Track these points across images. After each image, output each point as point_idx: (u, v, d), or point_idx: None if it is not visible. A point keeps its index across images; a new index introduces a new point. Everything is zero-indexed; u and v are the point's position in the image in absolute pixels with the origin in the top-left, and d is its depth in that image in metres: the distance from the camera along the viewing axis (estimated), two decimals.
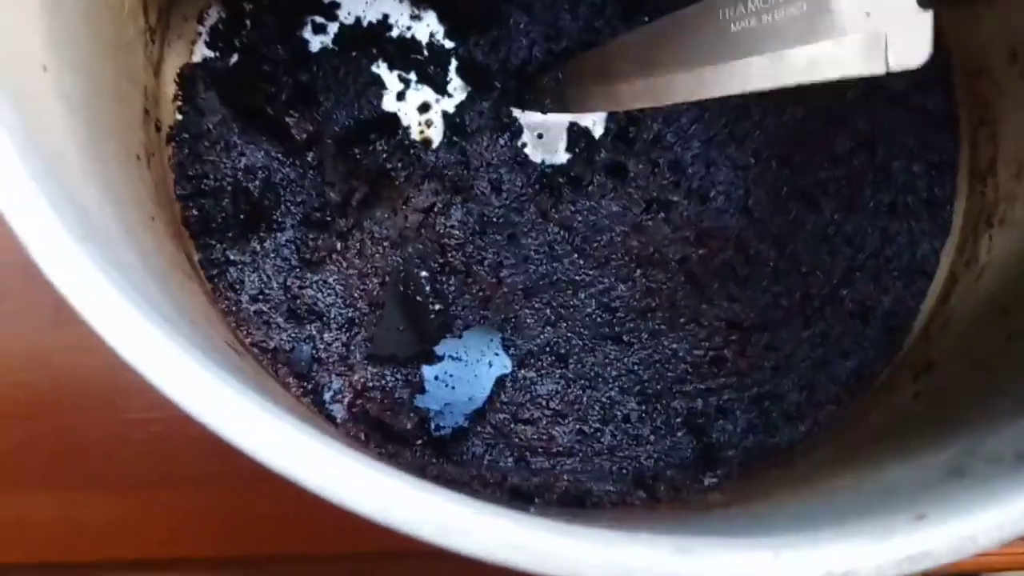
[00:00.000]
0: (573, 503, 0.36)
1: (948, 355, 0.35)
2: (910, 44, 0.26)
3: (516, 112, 0.42)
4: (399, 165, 0.40)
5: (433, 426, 0.37)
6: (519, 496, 0.36)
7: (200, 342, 0.24)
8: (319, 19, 0.42)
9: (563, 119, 0.42)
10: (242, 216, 0.38)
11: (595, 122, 0.43)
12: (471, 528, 0.19)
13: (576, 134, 0.42)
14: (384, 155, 0.39)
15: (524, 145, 0.42)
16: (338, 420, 0.36)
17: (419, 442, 0.37)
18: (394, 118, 0.40)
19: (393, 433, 0.36)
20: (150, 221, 0.31)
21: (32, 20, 0.24)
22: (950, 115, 0.42)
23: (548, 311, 0.40)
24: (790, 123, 0.42)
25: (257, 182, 0.39)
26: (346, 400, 0.36)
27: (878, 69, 0.26)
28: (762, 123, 0.42)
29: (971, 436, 0.25)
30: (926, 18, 0.25)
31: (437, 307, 0.39)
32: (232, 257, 0.38)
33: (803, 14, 0.28)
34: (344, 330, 0.38)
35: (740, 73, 0.29)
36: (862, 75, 0.26)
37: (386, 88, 0.42)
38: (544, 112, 0.42)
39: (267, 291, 0.38)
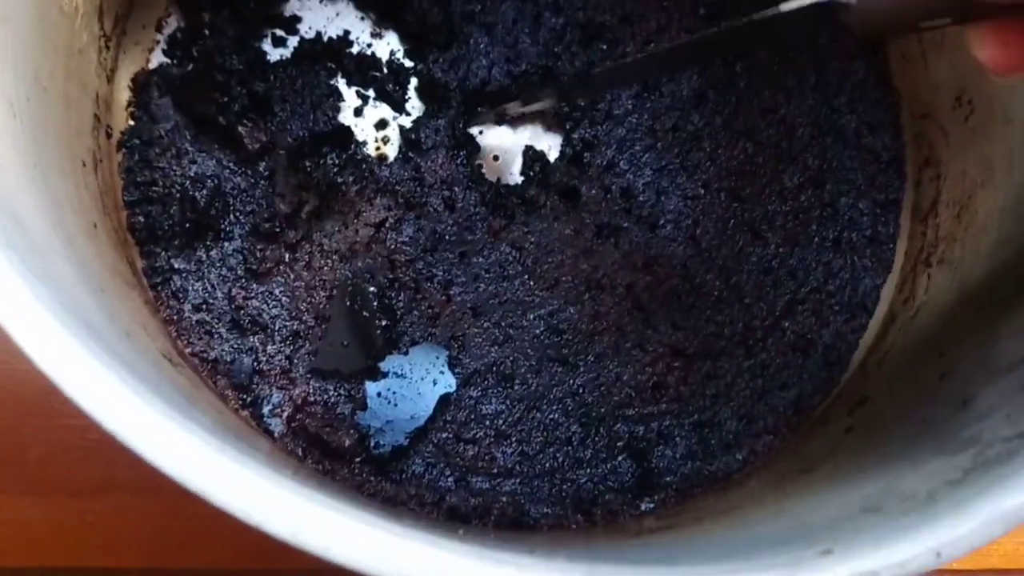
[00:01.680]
0: (510, 525, 0.36)
1: (882, 391, 0.35)
2: None
3: (473, 131, 0.43)
4: (351, 179, 0.40)
5: (373, 443, 0.37)
6: (455, 517, 0.36)
7: (127, 354, 0.24)
8: (279, 32, 0.42)
9: (519, 141, 0.43)
10: (189, 224, 0.38)
11: (550, 146, 0.43)
12: (383, 552, 0.19)
13: (531, 157, 0.42)
14: (336, 168, 0.39)
15: (480, 165, 0.42)
16: (276, 434, 0.36)
17: (358, 460, 0.36)
18: (347, 131, 0.40)
19: (331, 450, 0.36)
20: (92, 229, 0.31)
21: None
22: (897, 156, 0.43)
23: (496, 331, 0.40)
24: (741, 156, 0.43)
25: (206, 190, 0.38)
26: (285, 414, 0.36)
27: None
28: (714, 155, 0.42)
29: (892, 473, 0.26)
30: None
31: (384, 323, 0.39)
32: (177, 265, 0.37)
33: None
34: (288, 343, 0.38)
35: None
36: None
37: (344, 102, 0.42)
38: (498, 123, 0.42)
39: (211, 301, 0.38)
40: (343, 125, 0.40)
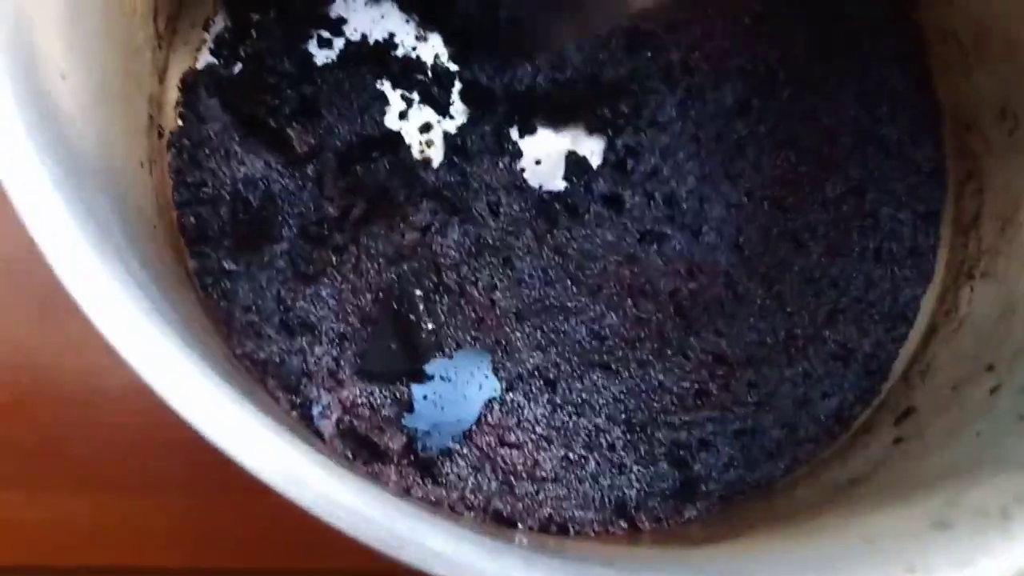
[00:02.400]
0: (557, 531, 0.36)
1: (929, 403, 0.36)
2: None
3: (515, 136, 0.43)
4: (399, 183, 0.40)
5: (420, 446, 0.37)
6: (502, 520, 0.36)
7: (207, 355, 0.24)
8: (325, 34, 0.42)
9: (561, 146, 0.43)
10: (239, 226, 0.38)
11: (593, 151, 0.43)
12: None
13: (574, 162, 0.43)
14: (385, 173, 0.39)
15: (523, 170, 0.42)
16: (326, 436, 0.36)
17: (404, 462, 0.37)
18: (397, 137, 0.40)
19: (380, 452, 0.36)
20: (152, 231, 0.31)
21: (54, 25, 0.24)
22: (939, 167, 0.44)
23: (539, 335, 0.40)
24: (784, 165, 0.43)
25: (256, 192, 0.39)
26: (334, 416, 0.36)
27: None
28: (757, 163, 0.43)
29: (954, 487, 0.26)
30: None
31: (429, 326, 0.39)
32: (227, 267, 0.37)
33: None
34: (335, 345, 0.38)
35: None
36: None
37: (389, 105, 0.42)
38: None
39: (260, 302, 0.38)
40: (393, 130, 0.40)
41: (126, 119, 0.32)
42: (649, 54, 0.42)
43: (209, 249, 0.37)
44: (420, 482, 0.36)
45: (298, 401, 0.37)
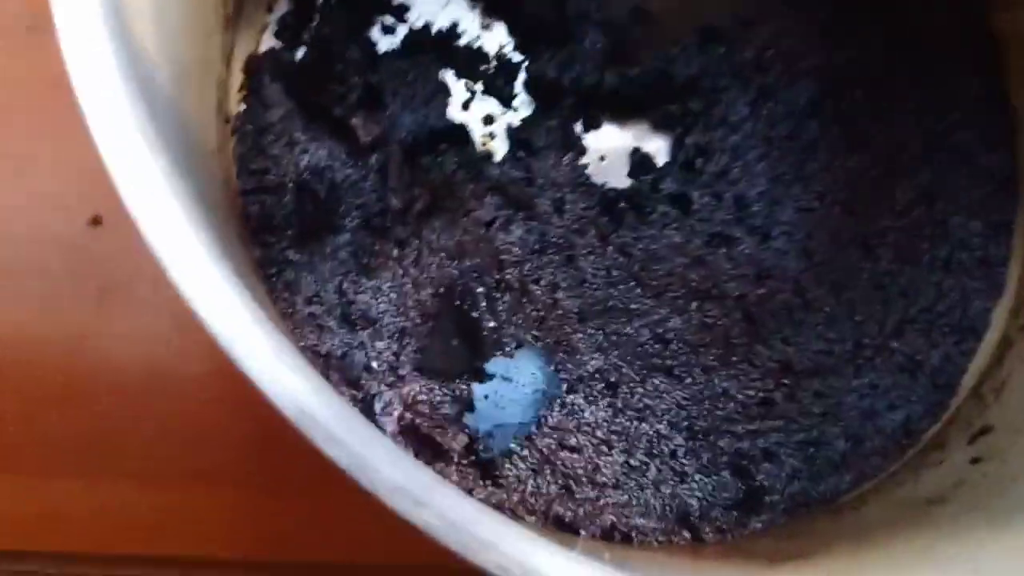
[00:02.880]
0: (620, 539, 0.35)
1: (1007, 423, 0.35)
2: None
3: (580, 131, 0.42)
4: (464, 177, 0.39)
5: (481, 447, 0.36)
6: (563, 526, 0.36)
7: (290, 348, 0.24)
8: (389, 20, 0.41)
9: (625, 142, 0.42)
10: (303, 215, 0.37)
11: (658, 148, 0.42)
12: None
13: (639, 160, 0.42)
14: (452, 167, 0.39)
15: (587, 166, 0.41)
16: (388, 433, 0.35)
17: (465, 462, 0.36)
18: (463, 130, 0.40)
19: (442, 451, 0.35)
20: (225, 221, 0.30)
21: (146, 16, 0.23)
22: (1011, 176, 0.42)
23: (601, 337, 0.39)
24: (855, 168, 0.42)
25: (320, 181, 0.38)
26: (395, 413, 0.36)
27: None
28: (829, 166, 0.42)
29: None
30: None
31: (491, 323, 0.38)
32: (291, 257, 0.37)
33: None
34: (395, 339, 0.38)
35: None
36: None
37: (451, 96, 0.41)
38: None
39: (322, 294, 0.37)
40: (459, 124, 0.40)
41: (201, 107, 0.31)
42: (722, 51, 0.41)
43: (273, 239, 0.37)
44: (481, 483, 0.36)
45: (360, 396, 0.36)
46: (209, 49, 0.34)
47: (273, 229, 0.36)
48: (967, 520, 0.28)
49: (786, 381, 0.39)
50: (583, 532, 0.36)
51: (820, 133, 0.42)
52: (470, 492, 0.35)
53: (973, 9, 0.43)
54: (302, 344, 0.35)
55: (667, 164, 0.41)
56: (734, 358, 0.39)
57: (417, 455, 0.35)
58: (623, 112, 0.42)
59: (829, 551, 0.30)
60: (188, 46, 0.29)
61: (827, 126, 0.42)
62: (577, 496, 0.37)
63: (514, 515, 0.35)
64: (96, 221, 0.37)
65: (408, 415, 0.36)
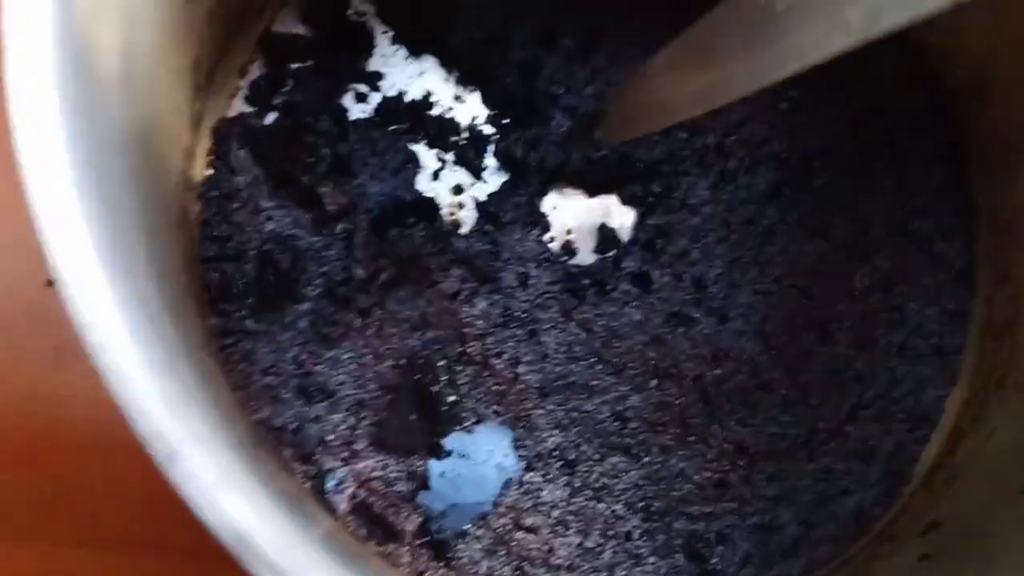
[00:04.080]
0: None
1: (958, 519, 0.35)
2: None
3: (546, 208, 0.42)
4: (430, 249, 0.39)
5: (435, 527, 0.36)
6: None
7: (227, 433, 0.23)
8: (362, 88, 0.42)
9: (593, 218, 0.42)
10: (264, 284, 0.37)
11: (623, 225, 0.43)
12: None
13: (605, 237, 0.42)
14: (420, 239, 0.39)
15: (552, 241, 0.42)
16: (339, 512, 0.35)
17: (418, 543, 0.35)
18: (431, 203, 0.40)
19: (394, 532, 0.35)
20: (182, 289, 0.30)
21: (114, 88, 0.23)
22: (968, 266, 0.43)
23: (561, 413, 0.39)
24: (813, 253, 0.43)
25: (284, 249, 0.38)
26: (348, 491, 0.35)
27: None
28: (787, 250, 0.42)
29: None
30: None
31: (451, 397, 0.38)
32: (249, 327, 0.36)
33: None
34: (352, 412, 0.37)
35: (794, 49, 0.27)
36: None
37: (421, 168, 0.41)
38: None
39: (279, 364, 0.37)
40: (427, 196, 0.40)
41: (164, 178, 0.31)
42: (685, 136, 0.42)
43: (232, 307, 0.36)
44: (434, 564, 0.35)
45: (313, 472, 0.35)
46: (176, 117, 0.34)
47: (232, 298, 0.36)
48: None
49: (741, 463, 0.40)
50: None
51: (779, 218, 0.42)
52: (421, 575, 0.35)
53: (939, 98, 0.44)
54: (255, 417, 0.35)
55: (629, 242, 0.42)
56: (691, 438, 0.40)
57: (369, 535, 0.35)
58: (591, 188, 0.43)
59: None
60: (153, 122, 0.29)
61: (786, 211, 0.43)
62: None
63: None
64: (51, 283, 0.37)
65: (361, 492, 0.36)
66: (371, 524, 0.35)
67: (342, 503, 0.35)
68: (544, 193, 0.42)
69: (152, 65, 0.28)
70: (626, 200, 0.43)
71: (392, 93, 0.42)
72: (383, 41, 0.43)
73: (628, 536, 0.38)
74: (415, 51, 0.43)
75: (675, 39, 0.34)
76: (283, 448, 0.35)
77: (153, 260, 0.26)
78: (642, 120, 0.38)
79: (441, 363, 0.39)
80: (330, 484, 0.35)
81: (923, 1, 0.22)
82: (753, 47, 0.29)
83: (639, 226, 0.42)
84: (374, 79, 0.42)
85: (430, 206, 0.40)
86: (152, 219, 0.29)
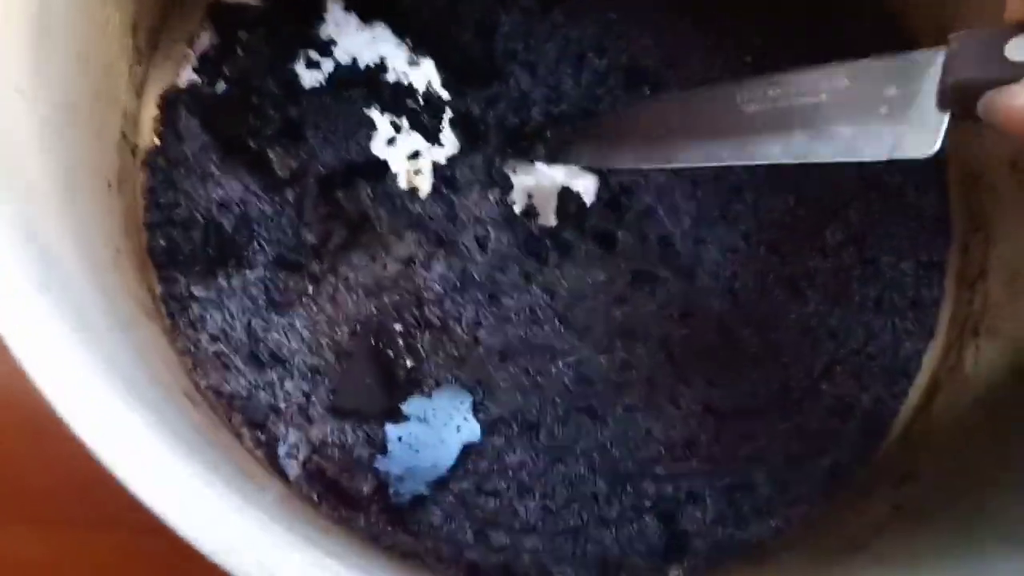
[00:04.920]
0: None
1: (931, 469, 0.34)
2: (920, 138, 0.26)
3: (508, 170, 0.41)
4: (383, 212, 0.38)
5: (392, 491, 0.35)
6: (476, 573, 0.34)
7: (151, 395, 0.23)
8: (314, 55, 0.41)
9: (556, 182, 0.41)
10: (211, 250, 0.36)
11: (587, 188, 0.42)
12: None
13: (567, 199, 0.41)
14: (369, 200, 0.38)
15: (513, 204, 0.41)
16: (291, 477, 0.34)
17: (374, 508, 0.35)
18: (383, 164, 0.39)
19: (348, 496, 0.34)
20: (116, 255, 0.29)
21: (16, 39, 0.23)
22: (943, 216, 0.42)
23: (523, 377, 0.38)
24: (783, 209, 0.41)
25: (231, 216, 0.37)
26: (301, 456, 0.34)
27: (881, 155, 0.26)
28: (755, 206, 0.41)
29: (956, 567, 0.24)
30: (942, 118, 0.25)
31: (408, 363, 0.37)
32: (196, 293, 0.36)
33: (819, 103, 0.28)
34: (307, 379, 0.36)
35: (748, 149, 0.30)
36: (866, 160, 0.26)
37: (376, 131, 0.40)
38: (532, 161, 0.41)
39: (229, 332, 0.36)
40: (378, 157, 0.39)
41: (94, 137, 0.30)
42: (647, 90, 0.41)
43: (178, 274, 0.36)
44: (390, 530, 0.34)
45: (264, 439, 0.35)
46: (112, 80, 0.33)
47: (178, 264, 0.36)
48: (874, 570, 0.27)
49: (710, 423, 0.38)
50: None
51: (747, 174, 0.41)
52: (377, 539, 0.34)
53: (904, 47, 0.43)
54: (204, 384, 0.34)
55: (594, 202, 0.41)
56: (658, 398, 0.39)
57: (321, 500, 0.34)
58: (553, 150, 0.42)
59: None
60: (76, 76, 0.28)
61: (754, 167, 0.41)
62: (493, 542, 0.36)
63: (423, 563, 0.34)
64: None
65: (315, 458, 0.35)
66: (324, 489, 0.34)
67: (294, 468, 0.34)
68: (504, 155, 0.41)
69: (72, 16, 0.27)
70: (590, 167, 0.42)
71: (345, 60, 0.41)
72: (335, 8, 0.42)
73: (594, 498, 0.37)
74: (367, 17, 0.42)
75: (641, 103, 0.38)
76: (233, 414, 0.34)
77: (80, 232, 0.26)
78: (584, 155, 0.39)
79: (398, 328, 0.38)
80: (282, 450, 0.34)
81: (858, 151, 0.26)
82: (711, 133, 0.31)
83: (603, 185, 0.41)
84: (327, 46, 0.41)
85: (379, 166, 0.39)
86: (83, 181, 0.29)
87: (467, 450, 0.37)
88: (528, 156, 0.40)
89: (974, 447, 0.32)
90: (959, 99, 0.24)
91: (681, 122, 0.32)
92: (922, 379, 0.40)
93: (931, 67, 0.26)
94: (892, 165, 0.42)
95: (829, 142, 0.27)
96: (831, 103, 0.27)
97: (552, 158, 0.40)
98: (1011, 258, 0.38)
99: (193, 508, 0.20)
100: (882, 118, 0.25)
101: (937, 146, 0.24)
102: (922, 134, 0.24)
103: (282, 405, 0.35)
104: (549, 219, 0.41)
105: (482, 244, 0.39)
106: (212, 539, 0.20)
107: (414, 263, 0.39)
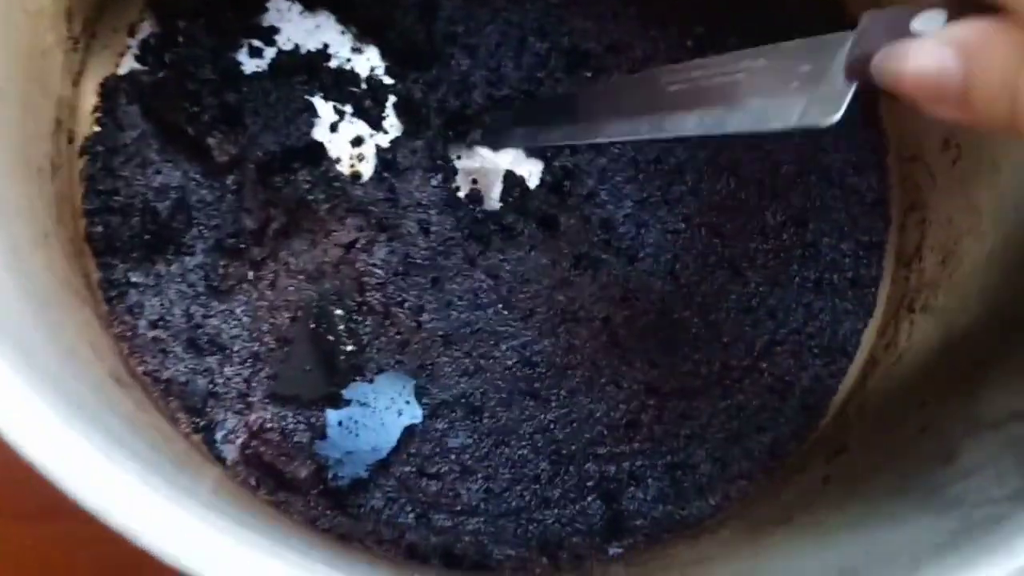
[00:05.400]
0: (471, 566, 0.34)
1: (861, 441, 0.34)
2: (825, 108, 0.26)
3: (452, 155, 0.41)
4: (322, 196, 0.38)
5: (331, 475, 0.35)
6: (414, 555, 0.35)
7: (64, 375, 0.23)
8: (256, 43, 0.41)
9: (499, 166, 0.42)
10: (149, 236, 0.36)
11: (531, 172, 0.42)
12: None
13: (511, 183, 0.41)
14: (307, 185, 0.38)
15: (457, 189, 0.41)
16: (228, 462, 0.34)
17: (314, 491, 0.35)
18: (319, 147, 0.39)
19: (286, 480, 0.34)
20: (43, 239, 0.29)
21: None
22: (882, 198, 0.43)
23: (467, 361, 0.39)
24: (723, 192, 0.42)
25: (170, 202, 0.37)
26: (239, 441, 0.35)
27: (789, 125, 0.26)
28: (696, 189, 0.42)
29: (874, 530, 0.25)
30: (848, 89, 0.25)
31: (349, 348, 0.38)
32: (134, 279, 0.36)
33: (736, 80, 0.28)
34: (247, 365, 0.36)
35: (666, 123, 0.31)
36: (774, 128, 0.26)
37: (319, 117, 0.40)
38: (470, 145, 0.41)
39: (168, 318, 0.36)
40: (315, 140, 0.39)
41: (24, 123, 0.30)
42: (588, 75, 0.41)
43: (116, 260, 0.36)
44: (328, 513, 0.35)
45: (201, 424, 0.35)
46: (45, 67, 0.33)
47: (116, 250, 0.35)
48: (798, 542, 0.27)
49: (652, 403, 0.39)
50: (435, 560, 0.34)
51: (688, 156, 0.42)
52: (315, 522, 0.34)
53: (841, 27, 0.44)
54: (141, 369, 0.34)
55: (537, 187, 0.41)
56: (601, 380, 0.39)
57: (259, 484, 0.34)
58: (494, 135, 0.42)
59: (667, 573, 0.29)
60: (5, 60, 0.28)
61: (695, 149, 0.42)
62: (434, 524, 0.36)
63: (363, 545, 0.34)
64: None
65: (254, 443, 0.35)
66: (261, 473, 0.34)
67: (231, 453, 0.34)
68: (447, 140, 0.41)
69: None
70: (532, 150, 0.42)
71: (288, 47, 0.41)
72: None
73: (537, 479, 0.37)
74: (310, 5, 0.42)
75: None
76: (170, 400, 0.34)
77: (10, 214, 0.26)
78: (519, 137, 0.40)
79: (339, 313, 0.38)
80: (219, 435, 0.34)
81: (767, 121, 0.26)
82: (637, 110, 0.32)
83: (546, 169, 0.41)
84: (269, 34, 0.41)
85: (317, 150, 0.39)
86: (8, 169, 0.29)
87: (409, 433, 0.37)
88: (467, 140, 0.41)
89: (902, 420, 0.33)
90: (863, 69, 0.24)
91: (608, 103, 0.33)
92: (860, 357, 0.40)
93: (844, 45, 0.26)
94: (833, 147, 0.43)
95: (740, 114, 0.27)
96: (747, 80, 0.28)
97: (489, 142, 0.40)
98: (944, 236, 0.38)
99: (121, 499, 0.20)
100: (792, 91, 0.26)
101: (839, 115, 0.24)
102: (827, 104, 0.25)
103: (221, 391, 0.35)
104: (493, 203, 0.41)
105: (424, 228, 0.40)
106: (142, 528, 0.20)
107: (355, 248, 0.39)
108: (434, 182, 0.40)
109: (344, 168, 0.40)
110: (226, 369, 0.36)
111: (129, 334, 0.35)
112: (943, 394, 0.32)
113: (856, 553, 0.23)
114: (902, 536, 0.24)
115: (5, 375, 0.19)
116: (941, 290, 0.38)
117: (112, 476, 0.19)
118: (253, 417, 0.35)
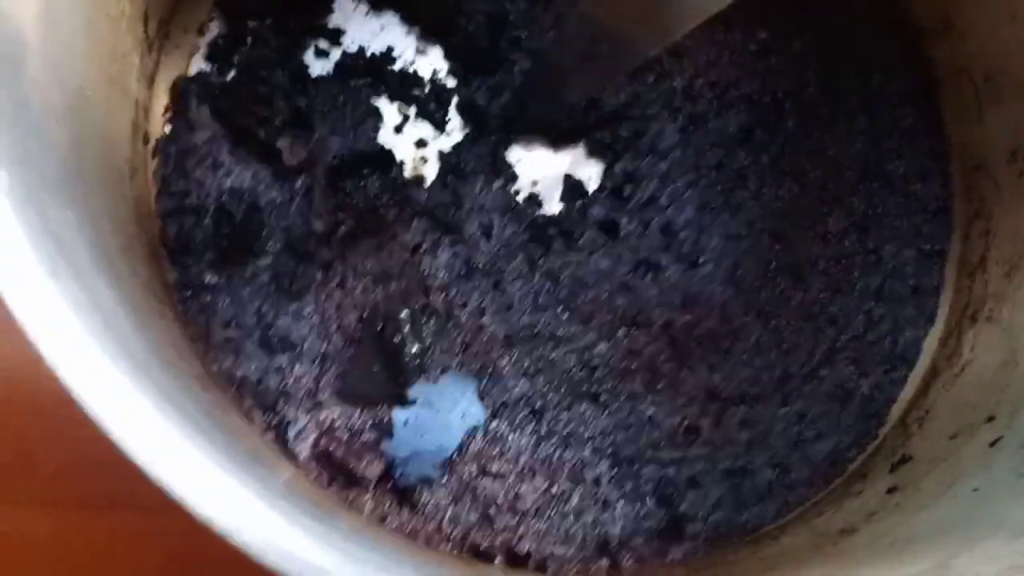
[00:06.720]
0: (535, 567, 0.35)
1: (926, 452, 0.34)
2: None
3: (512, 158, 0.42)
4: (390, 201, 0.39)
5: (398, 473, 0.36)
6: (479, 554, 0.35)
7: (163, 379, 0.23)
8: (323, 44, 0.41)
9: (559, 169, 0.42)
10: (223, 238, 0.37)
11: (591, 175, 0.42)
12: None
13: (571, 186, 0.41)
14: (376, 191, 0.38)
15: (517, 192, 0.41)
16: (300, 459, 0.35)
17: (381, 489, 0.35)
18: (389, 155, 0.39)
19: (356, 478, 0.35)
20: (128, 243, 0.30)
21: (30, 26, 0.23)
22: (945, 205, 0.42)
23: (527, 363, 0.39)
24: (785, 197, 0.42)
25: (242, 204, 0.38)
26: (310, 438, 0.35)
27: None
28: (758, 194, 0.42)
29: (945, 548, 0.25)
30: None
31: (414, 349, 0.38)
32: (208, 280, 0.36)
33: None
34: (316, 364, 0.37)
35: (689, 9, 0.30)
36: None
37: (383, 121, 0.41)
38: (529, 148, 0.41)
39: (240, 317, 0.37)
40: (385, 148, 0.39)
41: (106, 125, 0.31)
42: (652, 79, 0.41)
43: (191, 261, 0.36)
44: (396, 511, 0.35)
45: (274, 422, 0.35)
46: (124, 69, 0.34)
47: (191, 251, 0.36)
48: (868, 552, 0.28)
49: (712, 408, 0.39)
50: (498, 560, 0.35)
51: (750, 161, 0.42)
52: (384, 520, 0.35)
53: (909, 37, 0.43)
54: (215, 369, 0.35)
55: (597, 190, 0.41)
56: (660, 385, 0.39)
57: (330, 482, 0.35)
58: (557, 138, 0.42)
59: None
60: (89, 65, 0.29)
61: (757, 154, 0.42)
62: (496, 524, 0.36)
63: (428, 543, 0.35)
64: None
65: (324, 441, 0.36)
66: (333, 471, 0.35)
67: (303, 450, 0.35)
68: (508, 144, 0.42)
69: (83, 7, 0.28)
70: (592, 151, 0.42)
71: (353, 49, 0.42)
72: None
73: (596, 482, 0.38)
74: (376, 6, 0.42)
75: None
76: (244, 399, 0.35)
77: (91, 219, 0.26)
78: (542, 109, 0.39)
79: (404, 315, 0.38)
80: (292, 433, 0.35)
81: None
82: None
83: (606, 173, 0.41)
84: (335, 35, 0.42)
85: (386, 157, 0.39)
86: (96, 169, 0.29)
87: (472, 434, 0.37)
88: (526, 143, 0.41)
89: (969, 434, 0.33)
90: None
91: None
92: (921, 366, 0.40)
93: None
94: (896, 154, 0.43)
95: None
96: None
97: (520, 128, 0.40)
98: (1009, 248, 0.38)
99: (205, 487, 0.21)
100: None
101: None
102: None
103: (291, 389, 0.36)
104: (553, 206, 0.42)
105: (487, 232, 0.40)
106: (224, 518, 0.21)
107: (420, 251, 0.39)
108: (496, 186, 0.41)
109: (408, 170, 0.41)
110: (296, 368, 0.37)
111: (204, 334, 0.36)
112: (1012, 409, 0.32)
113: (934, 569, 0.23)
114: (978, 557, 0.24)
115: (118, 381, 0.20)
116: (1007, 302, 0.38)
117: (212, 475, 0.20)
118: (323, 415, 0.36)
